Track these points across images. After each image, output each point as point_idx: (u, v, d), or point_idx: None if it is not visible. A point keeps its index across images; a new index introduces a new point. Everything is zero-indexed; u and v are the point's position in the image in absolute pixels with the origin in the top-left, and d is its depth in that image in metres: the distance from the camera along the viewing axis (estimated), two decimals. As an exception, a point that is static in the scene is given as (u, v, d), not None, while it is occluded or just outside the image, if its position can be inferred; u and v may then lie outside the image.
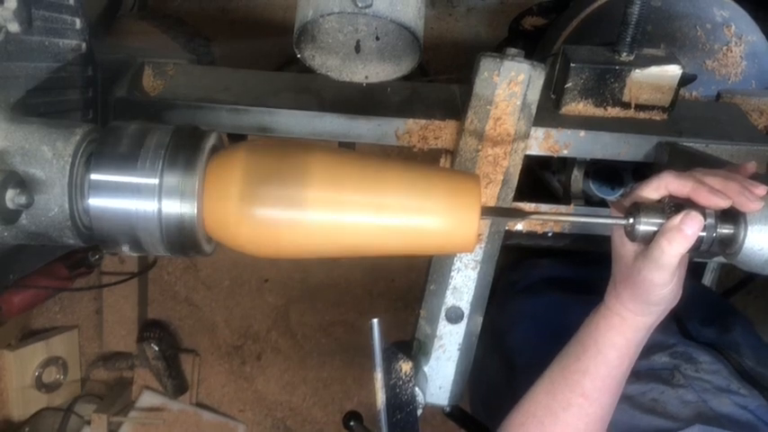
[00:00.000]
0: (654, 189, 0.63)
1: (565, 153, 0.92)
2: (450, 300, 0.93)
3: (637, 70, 0.89)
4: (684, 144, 0.90)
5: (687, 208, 0.61)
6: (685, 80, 0.92)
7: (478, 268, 0.92)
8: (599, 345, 0.70)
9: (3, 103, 0.59)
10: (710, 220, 0.61)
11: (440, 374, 0.97)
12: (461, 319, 0.94)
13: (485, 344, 1.06)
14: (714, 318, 1.02)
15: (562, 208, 0.96)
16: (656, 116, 0.93)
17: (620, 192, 1.05)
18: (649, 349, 0.90)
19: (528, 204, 0.92)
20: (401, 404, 0.85)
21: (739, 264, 0.63)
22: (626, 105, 0.92)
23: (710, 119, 0.96)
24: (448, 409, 1.01)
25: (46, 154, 0.55)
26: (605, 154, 0.93)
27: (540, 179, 1.19)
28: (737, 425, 0.80)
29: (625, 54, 0.90)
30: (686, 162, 0.85)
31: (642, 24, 0.88)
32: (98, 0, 1.34)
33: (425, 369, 0.96)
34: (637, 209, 0.62)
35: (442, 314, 0.94)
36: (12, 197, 0.52)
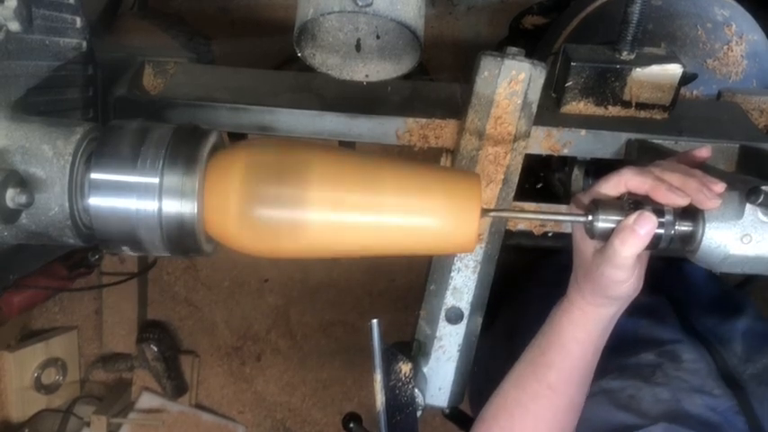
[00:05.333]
0: (613, 186, 0.63)
1: (565, 152, 0.92)
2: (450, 300, 0.93)
3: (637, 69, 0.89)
4: (654, 141, 0.89)
5: (646, 205, 0.60)
6: (686, 79, 0.92)
7: (479, 268, 0.92)
8: (562, 339, 0.71)
9: (3, 101, 0.59)
10: (669, 218, 0.60)
11: (439, 376, 0.97)
12: (461, 319, 0.94)
13: (498, 336, 1.05)
14: (719, 305, 1.02)
15: (562, 207, 0.95)
16: (657, 115, 0.92)
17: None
18: (641, 346, 0.92)
19: (529, 204, 0.92)
20: (401, 405, 0.85)
21: (698, 261, 0.62)
22: (627, 104, 0.92)
23: (711, 118, 0.96)
24: (447, 410, 1.00)
25: (46, 153, 0.55)
26: (606, 153, 0.92)
27: (540, 178, 1.19)
28: (704, 425, 0.80)
29: (626, 53, 0.90)
30: (655, 159, 0.85)
31: (643, 23, 0.88)
32: (98, -1, 1.34)
33: (425, 370, 0.96)
34: (596, 206, 0.62)
35: (442, 315, 0.94)
36: (12, 196, 0.52)
